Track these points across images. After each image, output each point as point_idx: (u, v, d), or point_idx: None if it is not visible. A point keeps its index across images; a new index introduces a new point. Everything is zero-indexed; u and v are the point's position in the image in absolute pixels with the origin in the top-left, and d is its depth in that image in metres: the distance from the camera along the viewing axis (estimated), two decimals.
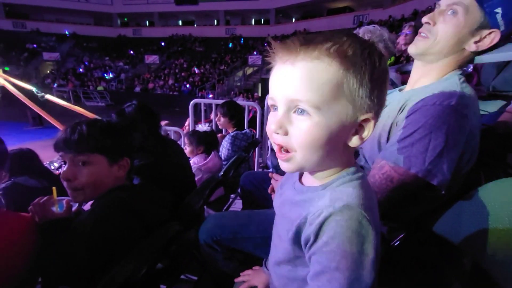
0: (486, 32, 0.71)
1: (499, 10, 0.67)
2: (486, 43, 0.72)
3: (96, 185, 0.81)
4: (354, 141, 0.43)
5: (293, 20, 22.41)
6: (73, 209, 0.94)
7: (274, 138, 0.45)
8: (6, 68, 17.40)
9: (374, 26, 1.47)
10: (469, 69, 1.68)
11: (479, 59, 0.76)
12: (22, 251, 0.74)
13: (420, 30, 0.77)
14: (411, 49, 0.80)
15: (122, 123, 1.26)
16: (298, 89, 0.40)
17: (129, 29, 24.91)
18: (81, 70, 19.84)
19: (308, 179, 0.52)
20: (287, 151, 0.44)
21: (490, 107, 1.38)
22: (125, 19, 25.78)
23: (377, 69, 0.41)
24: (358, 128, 0.43)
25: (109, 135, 0.82)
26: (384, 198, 0.71)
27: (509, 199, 0.60)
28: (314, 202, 0.46)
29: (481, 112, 1.31)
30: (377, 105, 0.42)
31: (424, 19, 0.76)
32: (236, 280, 0.80)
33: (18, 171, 1.91)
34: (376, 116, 0.43)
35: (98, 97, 15.71)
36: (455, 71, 0.76)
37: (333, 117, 0.41)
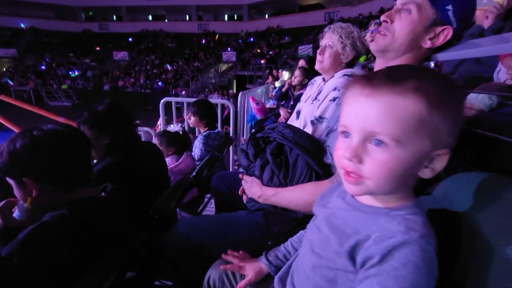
0: (439, 28, 0.73)
1: (450, 7, 0.70)
2: (440, 40, 0.74)
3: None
4: (426, 173, 0.45)
5: (266, 16, 22.45)
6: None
7: (346, 165, 0.46)
8: None
9: (347, 24, 1.50)
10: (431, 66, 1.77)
11: (434, 57, 0.79)
12: None
13: (379, 28, 0.79)
14: (372, 46, 0.82)
15: (90, 123, 1.21)
16: (379, 122, 0.42)
17: (94, 24, 23.51)
18: (42, 67, 18.44)
19: (365, 197, 0.52)
20: (357, 175, 0.45)
21: None
22: (90, 13, 24.32)
23: (458, 105, 0.44)
24: (431, 160, 0.44)
25: (6, 157, 0.73)
26: None
27: (465, 193, 0.63)
28: (378, 222, 0.47)
29: None
30: (454, 140, 0.44)
31: (382, 18, 0.78)
32: (223, 255, 0.78)
33: None
34: (451, 150, 0.44)
35: (63, 96, 14.74)
36: None
37: (412, 151, 0.42)
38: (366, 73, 0.45)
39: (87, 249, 0.74)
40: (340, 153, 0.46)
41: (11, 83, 15.68)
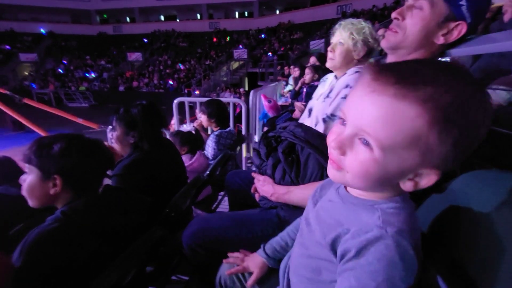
0: (453, 24, 0.72)
1: (463, 2, 0.68)
2: (454, 35, 0.73)
3: (30, 196, 0.82)
4: (407, 186, 0.43)
5: (277, 12, 22.25)
6: None
7: (331, 152, 0.46)
8: None
9: (358, 19, 1.47)
10: None
11: (449, 53, 0.78)
12: None
13: (390, 25, 0.78)
14: (383, 44, 0.81)
15: (123, 121, 1.29)
16: (372, 123, 0.39)
17: (109, 26, 24.10)
18: (60, 70, 19.13)
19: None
20: (337, 165, 0.45)
21: None
22: (105, 16, 24.95)
23: (472, 127, 0.37)
24: (416, 174, 0.41)
25: (44, 149, 0.80)
26: None
27: (480, 190, 0.62)
28: (359, 215, 0.46)
29: None
30: (450, 164, 0.39)
31: (393, 15, 0.77)
32: (225, 261, 0.79)
33: None
34: (443, 173, 0.40)
35: (81, 97, 15.28)
36: None
37: (395, 161, 0.39)
38: (380, 64, 0.39)
39: (97, 247, 0.79)
40: (330, 138, 0.45)
41: (35, 86, 16.37)
